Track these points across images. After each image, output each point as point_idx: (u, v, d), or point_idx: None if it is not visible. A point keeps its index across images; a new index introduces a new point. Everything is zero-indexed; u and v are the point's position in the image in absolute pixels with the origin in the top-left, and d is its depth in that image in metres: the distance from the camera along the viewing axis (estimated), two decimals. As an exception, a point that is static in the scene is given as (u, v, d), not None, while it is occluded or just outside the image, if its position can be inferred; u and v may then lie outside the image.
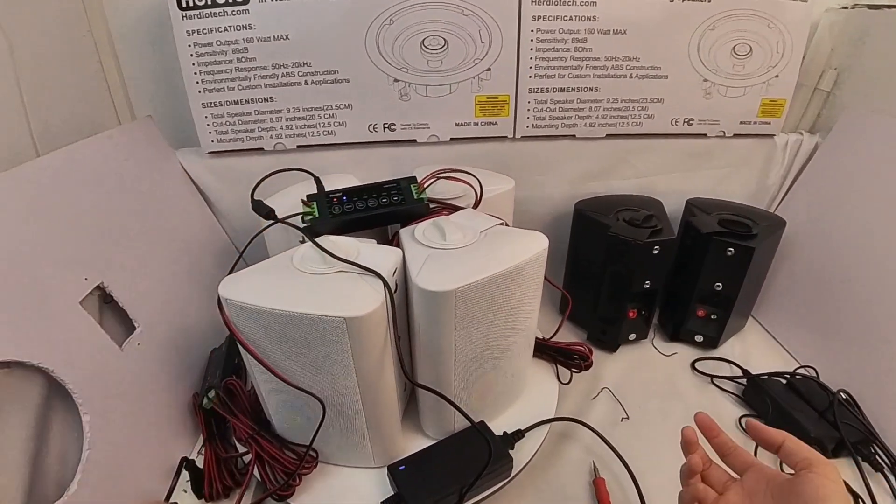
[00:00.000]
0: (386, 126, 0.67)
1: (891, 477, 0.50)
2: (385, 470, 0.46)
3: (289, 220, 0.48)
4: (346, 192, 0.51)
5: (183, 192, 0.67)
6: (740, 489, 0.34)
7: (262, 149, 0.67)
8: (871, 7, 0.69)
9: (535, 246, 0.45)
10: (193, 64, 0.61)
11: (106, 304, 0.51)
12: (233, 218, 0.70)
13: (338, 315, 0.37)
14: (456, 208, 0.53)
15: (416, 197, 0.51)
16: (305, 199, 0.51)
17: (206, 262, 0.65)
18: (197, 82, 0.62)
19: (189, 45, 0.61)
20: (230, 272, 0.44)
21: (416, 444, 0.49)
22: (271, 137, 0.66)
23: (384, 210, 0.50)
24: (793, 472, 0.32)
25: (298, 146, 0.67)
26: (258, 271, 0.44)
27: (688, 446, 0.37)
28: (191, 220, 0.66)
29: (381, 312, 0.39)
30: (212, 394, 0.50)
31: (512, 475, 0.47)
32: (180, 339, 0.56)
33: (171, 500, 0.47)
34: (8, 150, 0.50)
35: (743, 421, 0.38)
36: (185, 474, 0.49)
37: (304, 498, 0.46)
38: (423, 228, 0.48)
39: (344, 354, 0.39)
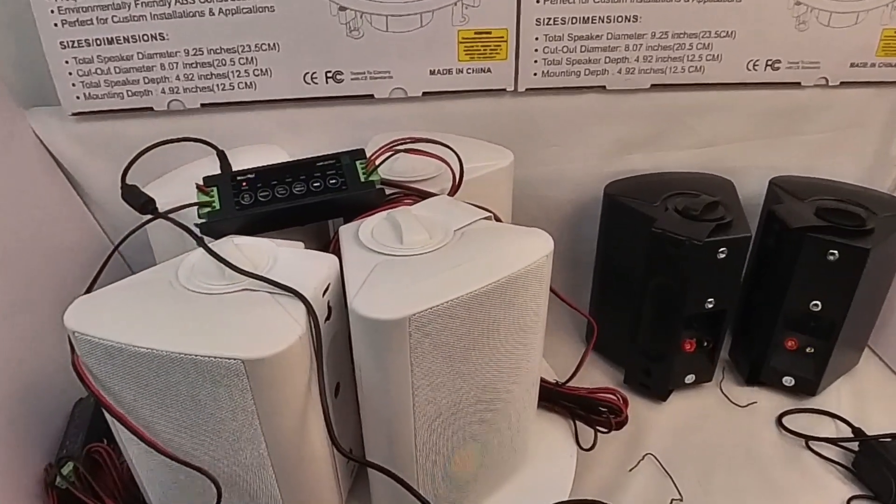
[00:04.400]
0: (329, 75, 0.66)
1: None
2: (317, 578, 0.46)
3: (174, 215, 0.47)
4: (261, 173, 0.50)
5: (36, 169, 0.66)
6: None
7: (151, 108, 0.66)
8: None
9: (532, 251, 0.44)
10: (47, -15, 0.61)
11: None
12: (111, 207, 0.70)
13: (234, 356, 0.36)
14: (423, 195, 0.52)
15: (363, 179, 0.50)
16: (202, 182, 0.50)
17: (72, 270, 0.64)
18: (52, 11, 0.61)
19: (38, -42, 0.60)
20: (88, 290, 0.44)
21: (366, 538, 0.49)
22: (164, 92, 0.66)
23: (316, 199, 0.49)
24: None
25: (203, 104, 0.67)
26: (127, 290, 0.43)
27: None
28: (48, 209, 0.66)
29: (299, 351, 0.38)
30: (68, 468, 0.50)
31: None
32: (28, 384, 0.55)
33: None
34: None
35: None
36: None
37: None
38: (371, 226, 0.47)
39: (246, 413, 0.38)
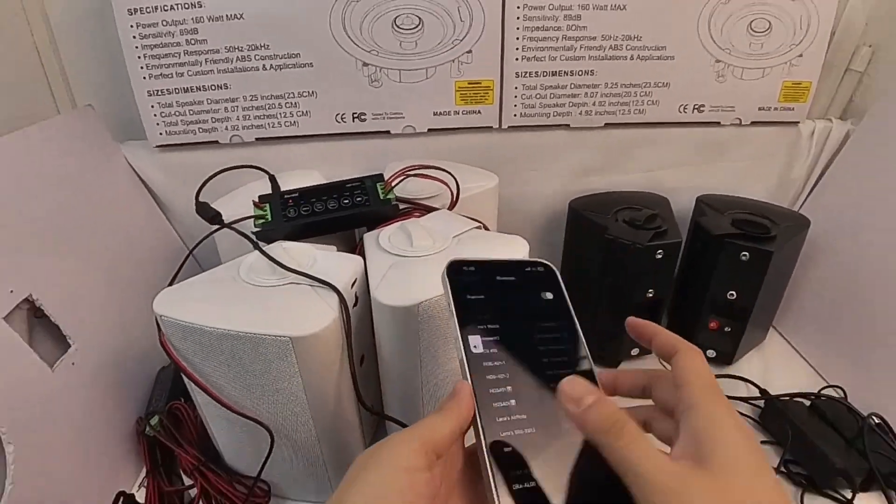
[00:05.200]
0: (355, 116, 0.67)
1: (928, 514, 0.50)
2: None
3: (236, 226, 0.48)
4: (303, 192, 0.51)
5: (128, 190, 0.67)
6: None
7: (216, 142, 0.67)
8: (911, -26, 0.69)
9: (513, 252, 0.45)
10: (136, 47, 0.62)
11: (36, 319, 0.51)
12: (186, 219, 0.71)
13: (283, 334, 0.37)
14: (428, 209, 0.53)
15: (382, 197, 0.51)
16: (258, 200, 0.51)
17: (156, 268, 0.65)
18: (141, 67, 0.62)
19: (131, 26, 0.61)
20: (170, 283, 0.45)
21: (384, 475, 0.50)
22: (227, 129, 0.67)
23: (346, 212, 0.50)
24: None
25: (257, 139, 0.68)
26: (200, 283, 0.44)
27: None
28: (137, 221, 0.66)
29: (333, 330, 0.39)
30: (155, 420, 0.51)
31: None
32: (123, 356, 0.56)
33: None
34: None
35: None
36: (123, 511, 0.49)
37: (255, 537, 0.46)
38: (388, 233, 0.48)
39: (292, 378, 0.39)
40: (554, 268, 0.32)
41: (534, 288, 0.31)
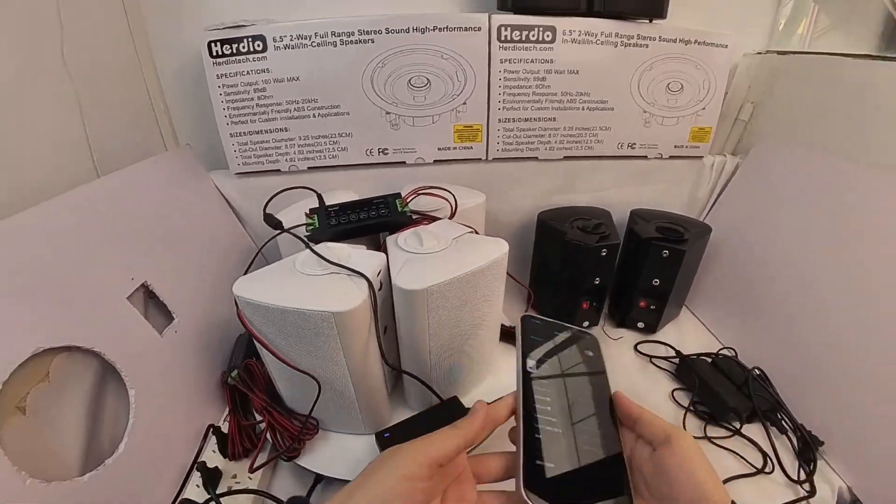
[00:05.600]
0: (380, 150, 0.66)
1: (793, 438, 0.50)
2: (374, 436, 0.45)
3: (293, 230, 0.47)
4: (341, 206, 0.50)
5: (215, 206, 0.66)
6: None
7: (278, 170, 0.66)
8: (779, 53, 0.69)
9: (497, 250, 0.44)
10: (222, 101, 0.61)
11: (149, 299, 0.50)
12: (256, 226, 0.69)
13: (327, 310, 0.36)
14: (434, 219, 0.52)
15: (399, 210, 0.49)
16: (308, 212, 0.50)
17: (234, 262, 0.64)
18: (225, 116, 0.61)
19: (219, 86, 0.60)
20: (245, 273, 0.44)
21: (401, 414, 0.49)
22: (286, 161, 0.66)
23: (373, 221, 0.49)
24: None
25: (309, 167, 0.66)
26: (266, 273, 0.43)
27: None
28: (221, 228, 0.65)
29: (364, 307, 0.38)
30: (235, 373, 0.50)
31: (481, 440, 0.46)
32: (211, 326, 0.55)
33: (201, 459, 0.47)
34: (72, 172, 0.50)
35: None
36: (212, 438, 0.48)
37: (308, 458, 0.46)
38: (404, 236, 0.47)
39: (334, 343, 0.38)
40: (597, 338, 0.33)
41: (580, 345, 0.33)
